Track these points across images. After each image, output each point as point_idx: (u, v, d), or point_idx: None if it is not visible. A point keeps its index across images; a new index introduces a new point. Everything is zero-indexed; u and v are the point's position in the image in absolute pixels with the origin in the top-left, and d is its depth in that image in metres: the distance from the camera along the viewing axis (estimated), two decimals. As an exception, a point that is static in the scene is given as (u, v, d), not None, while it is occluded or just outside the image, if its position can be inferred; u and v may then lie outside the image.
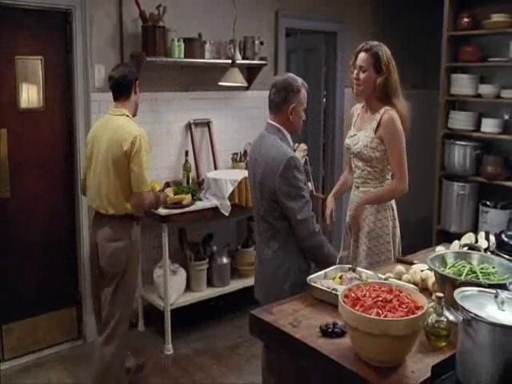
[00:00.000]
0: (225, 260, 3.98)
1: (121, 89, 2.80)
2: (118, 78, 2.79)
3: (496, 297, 1.44)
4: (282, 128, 2.40)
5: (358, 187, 2.75)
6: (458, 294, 1.47)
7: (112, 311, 2.75)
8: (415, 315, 1.47)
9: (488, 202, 4.29)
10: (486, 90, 4.27)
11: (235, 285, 4.00)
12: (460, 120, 4.44)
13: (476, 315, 1.35)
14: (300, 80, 2.42)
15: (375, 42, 2.63)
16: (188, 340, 3.71)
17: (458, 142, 4.44)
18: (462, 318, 1.39)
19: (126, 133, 2.68)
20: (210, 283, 3.95)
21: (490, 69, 4.36)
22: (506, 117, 4.24)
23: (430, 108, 5.04)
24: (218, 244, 4.04)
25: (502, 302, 1.41)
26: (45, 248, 3.54)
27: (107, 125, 2.78)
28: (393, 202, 2.75)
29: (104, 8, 3.54)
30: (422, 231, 4.90)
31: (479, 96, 4.33)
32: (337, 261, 2.31)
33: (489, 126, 4.26)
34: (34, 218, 3.47)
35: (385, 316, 1.49)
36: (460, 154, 4.41)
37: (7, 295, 3.39)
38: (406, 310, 1.52)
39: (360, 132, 2.68)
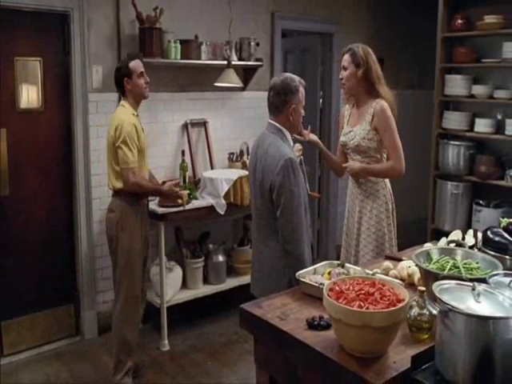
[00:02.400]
0: (221, 258, 4.04)
1: (117, 86, 3.10)
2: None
3: (473, 289, 1.50)
4: (282, 128, 2.46)
5: (357, 180, 2.90)
6: (436, 286, 1.53)
7: (114, 274, 3.12)
8: (395, 307, 1.53)
9: (481, 201, 4.35)
10: (480, 90, 4.33)
11: (231, 282, 4.06)
12: (454, 120, 4.50)
13: (452, 307, 1.41)
14: (297, 78, 2.49)
15: (355, 44, 2.86)
16: (184, 337, 3.77)
17: (452, 142, 4.50)
18: (439, 309, 1.45)
19: (115, 119, 3.01)
20: (206, 281, 4.01)
21: (483, 69, 4.41)
22: (499, 117, 4.30)
23: (426, 108, 5.10)
24: (214, 242, 4.10)
25: (478, 294, 1.47)
26: (43, 246, 3.60)
27: (112, 115, 3.13)
28: (389, 187, 2.94)
29: (101, 10, 3.60)
30: (417, 230, 4.95)
31: (473, 96, 4.39)
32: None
33: (482, 125, 4.32)
34: (32, 216, 3.53)
35: (367, 308, 1.54)
36: (454, 154, 4.47)
37: (6, 292, 3.45)
38: (387, 302, 1.58)
39: (355, 127, 2.86)
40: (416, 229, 5.11)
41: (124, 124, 2.94)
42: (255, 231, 2.61)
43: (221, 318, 4.01)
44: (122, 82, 3.03)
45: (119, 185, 3.02)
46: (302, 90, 2.48)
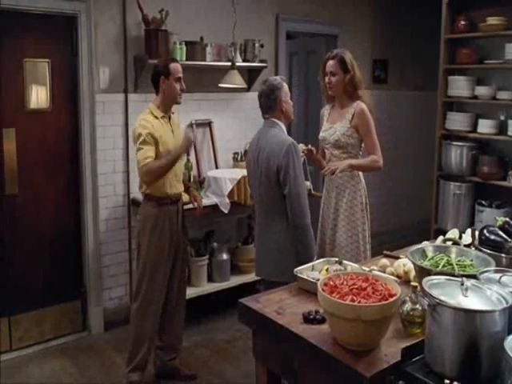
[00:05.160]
0: (225, 256, 4.10)
1: (153, 83, 3.04)
2: None
3: (462, 284, 1.55)
4: (278, 121, 2.80)
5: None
6: (426, 281, 1.58)
7: (137, 275, 3.14)
8: (385, 302, 1.58)
9: (483, 202, 4.37)
10: (483, 91, 4.35)
11: (235, 280, 4.13)
12: (457, 121, 4.53)
13: (440, 300, 1.46)
14: (278, 77, 2.90)
15: (339, 49, 3.09)
16: (189, 333, 3.80)
17: (455, 143, 4.53)
18: (428, 303, 1.50)
19: (136, 122, 3.00)
20: (210, 279, 4.08)
21: (486, 71, 4.43)
22: (502, 118, 4.32)
23: (430, 109, 5.14)
24: (219, 241, 4.16)
25: (466, 289, 1.52)
26: (51, 243, 3.68)
27: None
28: (364, 182, 3.13)
29: (108, 12, 3.67)
30: (421, 231, 4.99)
31: (476, 97, 4.42)
32: (314, 258, 2.58)
33: (485, 126, 4.34)
34: (40, 213, 3.62)
35: (359, 302, 1.60)
36: (457, 155, 4.49)
37: (15, 288, 3.54)
38: (379, 297, 1.63)
39: (336, 124, 3.10)
40: (419, 229, 5.15)
41: (138, 125, 2.91)
42: (260, 217, 2.86)
43: (224, 315, 4.06)
44: (157, 80, 2.98)
45: (143, 188, 3.04)
46: (284, 84, 2.81)
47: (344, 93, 3.04)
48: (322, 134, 3.19)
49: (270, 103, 2.77)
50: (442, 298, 1.47)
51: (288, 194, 2.65)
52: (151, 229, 3.02)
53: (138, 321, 3.09)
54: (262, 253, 2.85)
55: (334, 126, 3.09)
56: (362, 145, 3.09)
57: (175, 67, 3.01)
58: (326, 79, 3.05)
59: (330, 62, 3.02)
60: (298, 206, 2.65)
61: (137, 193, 3.87)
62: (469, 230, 2.70)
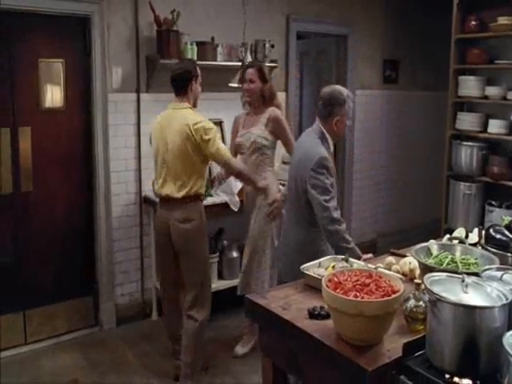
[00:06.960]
0: (235, 254, 4.15)
1: (177, 85, 3.02)
2: (173, 76, 3.00)
3: (463, 281, 1.58)
4: (325, 132, 2.66)
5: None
6: (427, 278, 1.61)
7: (193, 281, 3.07)
8: (387, 298, 1.61)
9: (493, 202, 4.36)
10: (493, 91, 4.34)
11: (244, 278, 4.16)
12: (467, 121, 4.52)
13: (441, 296, 1.49)
14: (345, 92, 2.67)
15: (257, 61, 3.41)
16: (198, 329, 3.87)
17: (465, 143, 4.52)
18: (428, 299, 1.54)
19: (191, 120, 2.90)
20: (220, 276, 4.13)
21: (497, 71, 4.43)
22: (512, 118, 4.32)
23: (441, 109, 5.13)
24: (229, 239, 4.21)
25: (467, 286, 1.55)
26: (64, 240, 3.76)
27: (172, 118, 2.98)
28: None
29: (121, 13, 3.74)
30: (432, 231, 4.99)
31: (486, 97, 4.41)
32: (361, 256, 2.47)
33: (495, 126, 4.34)
34: (54, 210, 3.69)
35: (362, 298, 1.63)
36: (467, 155, 4.49)
37: (29, 283, 3.62)
38: (382, 293, 1.67)
39: (251, 129, 3.37)
40: (430, 229, 5.15)
41: (204, 121, 2.91)
42: (288, 214, 2.88)
43: (234, 312, 4.10)
44: (188, 82, 2.98)
45: (200, 190, 3.03)
46: (349, 103, 2.65)
47: (261, 100, 3.33)
48: (238, 140, 3.42)
49: (324, 112, 2.64)
50: (443, 294, 1.50)
51: (315, 208, 2.56)
52: (204, 228, 3.08)
53: (202, 334, 3.16)
54: (282, 250, 2.87)
55: (249, 131, 3.34)
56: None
57: (200, 72, 3.10)
58: (245, 85, 3.36)
59: (250, 70, 3.34)
60: (323, 217, 2.53)
61: (149, 191, 3.94)
62: (476, 229, 2.72)
